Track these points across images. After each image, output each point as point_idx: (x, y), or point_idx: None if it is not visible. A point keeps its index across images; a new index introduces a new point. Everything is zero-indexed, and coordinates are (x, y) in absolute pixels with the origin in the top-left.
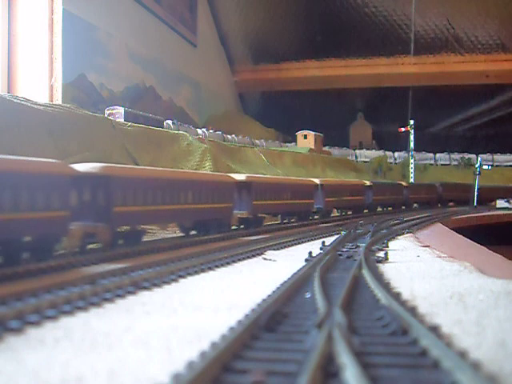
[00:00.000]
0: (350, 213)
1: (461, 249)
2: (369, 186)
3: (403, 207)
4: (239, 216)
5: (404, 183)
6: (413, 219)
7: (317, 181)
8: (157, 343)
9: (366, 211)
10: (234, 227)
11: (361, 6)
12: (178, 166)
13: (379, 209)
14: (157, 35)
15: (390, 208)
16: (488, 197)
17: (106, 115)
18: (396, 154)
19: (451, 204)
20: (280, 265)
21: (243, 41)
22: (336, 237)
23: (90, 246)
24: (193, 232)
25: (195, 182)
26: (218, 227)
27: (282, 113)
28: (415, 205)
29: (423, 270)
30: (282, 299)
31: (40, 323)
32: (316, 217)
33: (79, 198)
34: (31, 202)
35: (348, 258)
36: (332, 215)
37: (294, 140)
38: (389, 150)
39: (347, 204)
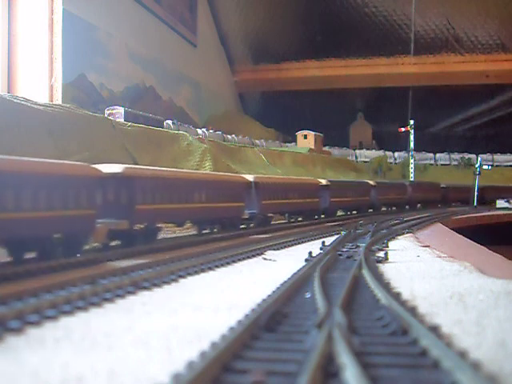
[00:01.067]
0: (300, 219)
1: (461, 249)
2: (325, 185)
3: (370, 210)
4: (112, 228)
5: (372, 182)
6: (413, 219)
7: (249, 178)
8: (157, 343)
9: (323, 216)
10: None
11: (361, 6)
12: (178, 166)
13: (340, 213)
14: (157, 35)
15: (354, 212)
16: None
17: (106, 115)
18: (396, 154)
19: (419, 206)
20: (280, 265)
21: (243, 41)
22: (336, 237)
23: None
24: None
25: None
26: (68, 247)
27: (282, 113)
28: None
29: (423, 270)
30: (282, 299)
31: (40, 323)
32: (251, 225)
33: None
34: None
35: (348, 257)
36: (277, 222)
37: (294, 140)
38: (389, 150)
39: (294, 208)
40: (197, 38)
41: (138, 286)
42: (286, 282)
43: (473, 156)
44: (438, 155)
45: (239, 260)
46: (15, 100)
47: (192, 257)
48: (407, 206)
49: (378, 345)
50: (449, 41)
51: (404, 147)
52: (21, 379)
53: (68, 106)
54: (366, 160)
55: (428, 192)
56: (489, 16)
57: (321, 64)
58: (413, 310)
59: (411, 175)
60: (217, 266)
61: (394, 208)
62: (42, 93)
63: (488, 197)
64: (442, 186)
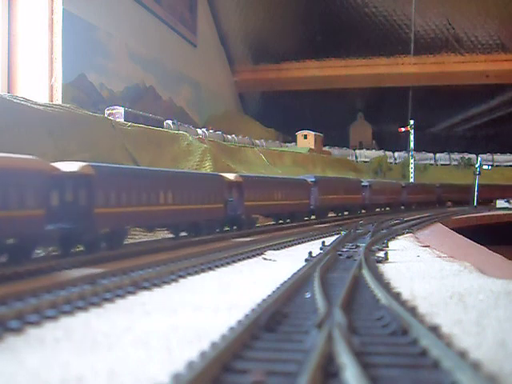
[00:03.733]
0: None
1: (461, 249)
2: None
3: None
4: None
5: (230, 176)
6: (413, 219)
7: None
8: (157, 343)
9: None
10: None
11: (361, 6)
12: (178, 166)
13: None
14: (157, 35)
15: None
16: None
17: (106, 115)
18: (396, 154)
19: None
20: (280, 265)
21: (243, 41)
22: (336, 237)
23: None
24: None
25: None
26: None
27: (282, 113)
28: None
29: (423, 270)
30: (282, 299)
31: (40, 323)
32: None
33: None
34: None
35: (348, 257)
36: None
37: (294, 140)
38: (389, 150)
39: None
40: (197, 38)
41: (137, 286)
42: (285, 282)
43: (473, 156)
44: (437, 155)
45: (239, 260)
46: (15, 100)
47: (192, 257)
48: (312, 216)
49: (377, 345)
50: (449, 41)
51: (404, 147)
52: (21, 379)
53: (68, 105)
54: (366, 160)
55: (343, 193)
56: (489, 16)
57: (321, 64)
58: (413, 310)
59: (411, 175)
60: (217, 266)
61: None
62: (42, 93)
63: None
64: (364, 184)
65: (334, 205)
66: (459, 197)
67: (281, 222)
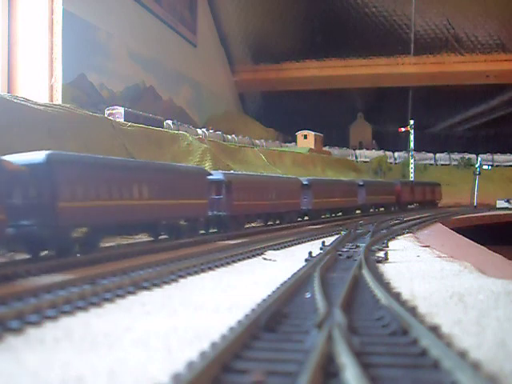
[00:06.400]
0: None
1: (461, 249)
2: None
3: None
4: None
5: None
6: (413, 219)
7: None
8: (157, 343)
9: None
10: None
11: (361, 6)
12: None
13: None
14: (157, 35)
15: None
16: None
17: (105, 115)
18: (396, 153)
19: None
20: (280, 265)
21: (243, 41)
22: (336, 237)
23: None
24: None
25: None
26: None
27: (281, 113)
28: None
29: (423, 270)
30: (282, 299)
31: (40, 323)
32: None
33: None
34: None
35: (348, 257)
36: None
37: (294, 140)
38: (389, 150)
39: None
40: (197, 38)
41: (137, 286)
42: (286, 282)
43: (473, 156)
44: (437, 155)
45: (239, 260)
46: (15, 100)
47: (192, 257)
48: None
49: (377, 345)
50: (449, 41)
51: (404, 147)
52: (21, 379)
53: (68, 106)
54: (366, 160)
55: (175, 195)
56: (489, 16)
57: (321, 64)
58: (413, 310)
59: (411, 175)
60: (217, 266)
61: None
62: (42, 93)
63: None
64: (216, 177)
65: (142, 218)
66: (385, 199)
67: None
